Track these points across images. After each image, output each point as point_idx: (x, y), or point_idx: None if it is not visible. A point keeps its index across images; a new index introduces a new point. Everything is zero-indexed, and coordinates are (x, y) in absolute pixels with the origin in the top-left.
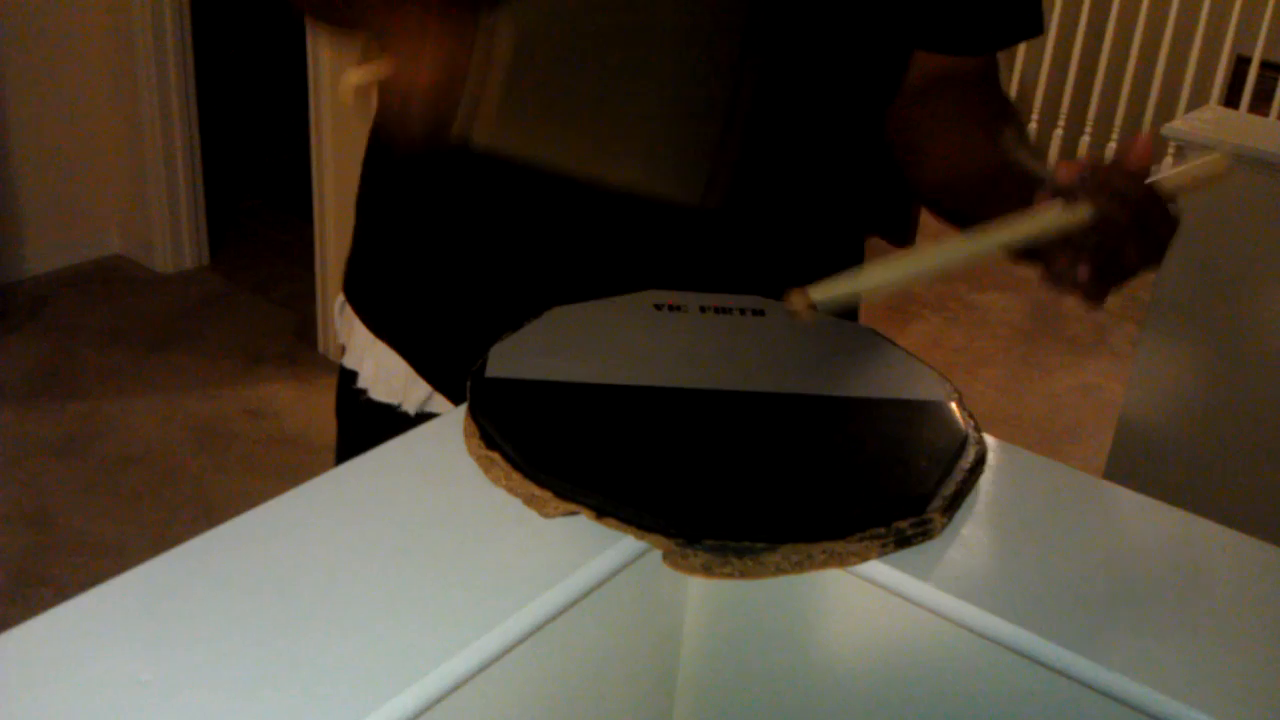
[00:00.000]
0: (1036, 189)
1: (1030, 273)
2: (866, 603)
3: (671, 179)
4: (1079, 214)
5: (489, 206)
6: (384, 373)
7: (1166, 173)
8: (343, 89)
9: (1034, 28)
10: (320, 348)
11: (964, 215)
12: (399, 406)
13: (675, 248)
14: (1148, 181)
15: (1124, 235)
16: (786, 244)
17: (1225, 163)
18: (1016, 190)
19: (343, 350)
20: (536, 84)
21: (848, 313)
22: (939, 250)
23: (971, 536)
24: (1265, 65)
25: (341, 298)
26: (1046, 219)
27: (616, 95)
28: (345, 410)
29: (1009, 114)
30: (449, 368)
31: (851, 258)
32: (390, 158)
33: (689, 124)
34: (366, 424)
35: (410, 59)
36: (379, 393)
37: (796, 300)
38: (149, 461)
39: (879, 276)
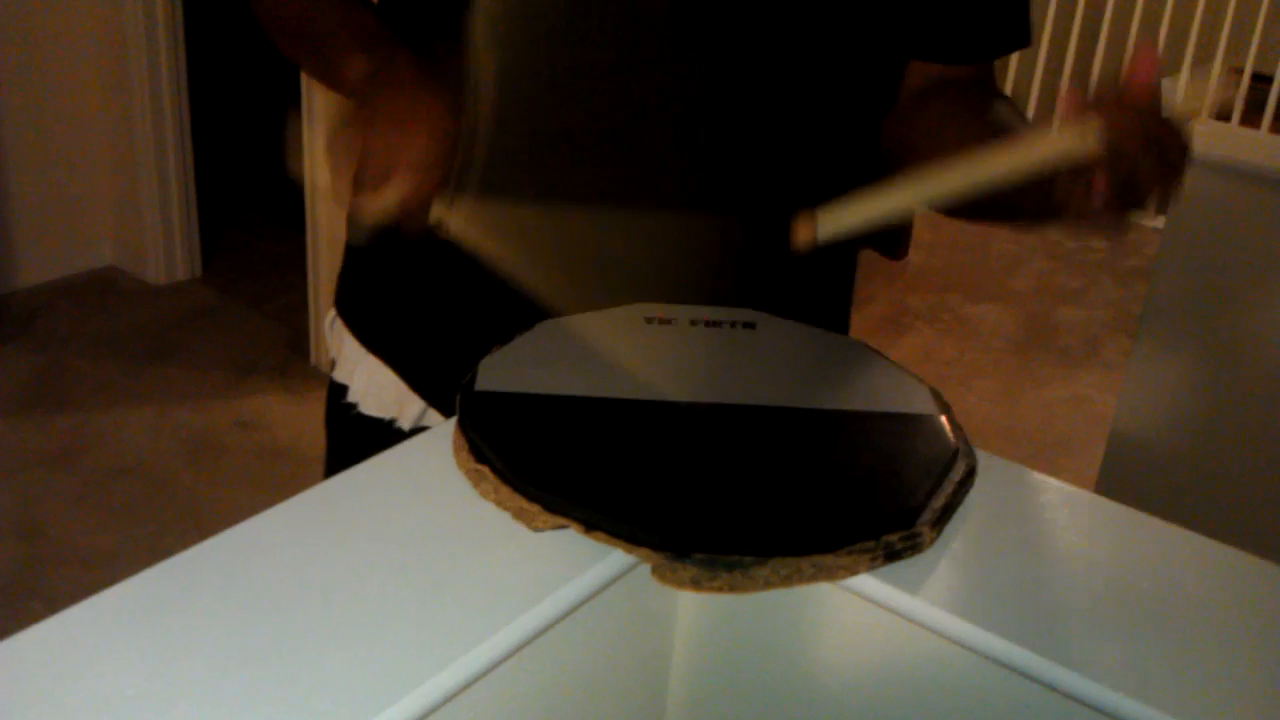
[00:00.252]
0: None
1: (1023, 284)
2: (856, 617)
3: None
4: (1088, 137)
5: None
6: (375, 387)
7: (1175, 97)
8: (323, 189)
9: (1022, 39)
10: (312, 360)
11: (967, 204)
12: (390, 421)
13: (665, 260)
14: (1158, 107)
15: (1136, 153)
16: (778, 256)
17: (1235, 82)
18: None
19: (333, 364)
20: (513, 175)
21: (839, 324)
22: (947, 175)
23: (961, 550)
24: (1257, 77)
25: (333, 312)
26: (1055, 144)
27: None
28: (335, 424)
29: (1007, 104)
30: (441, 381)
31: (843, 270)
32: None
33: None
34: (356, 439)
35: (386, 145)
36: (369, 407)
37: (804, 229)
38: (140, 473)
39: (887, 202)
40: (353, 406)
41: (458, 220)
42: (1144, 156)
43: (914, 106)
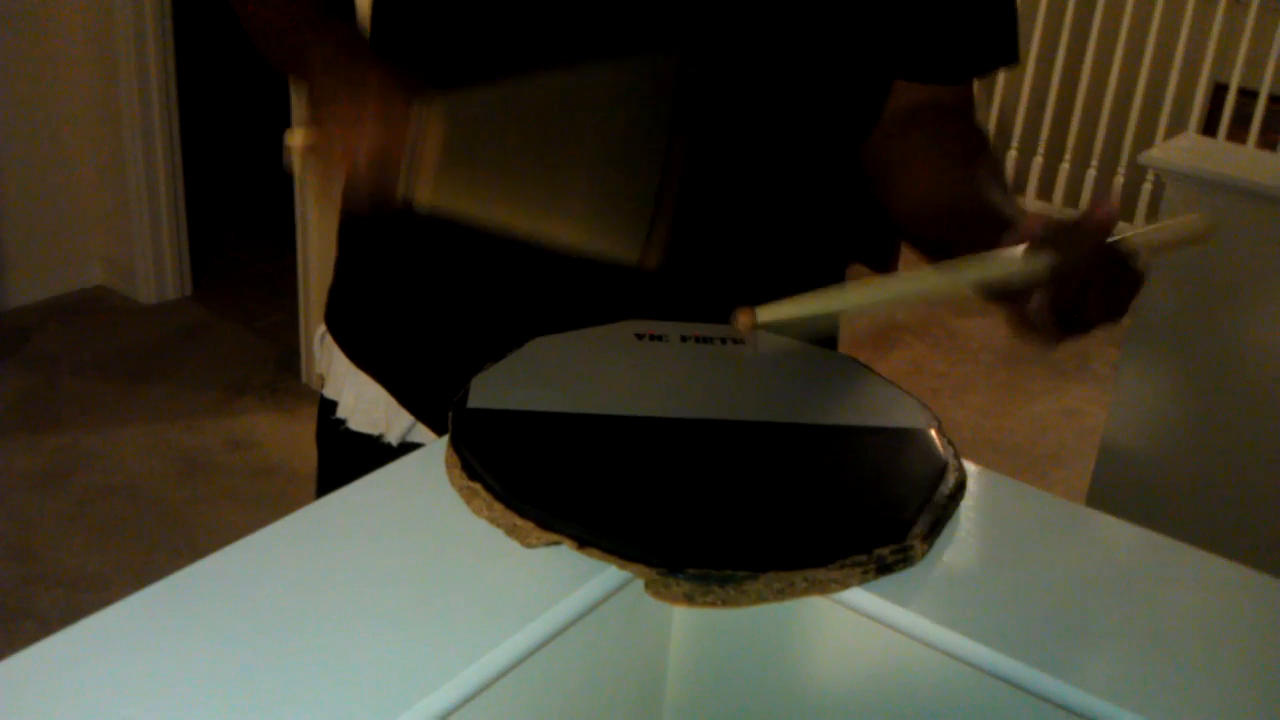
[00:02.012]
0: (1003, 232)
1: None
2: (849, 630)
3: (609, 239)
4: (1040, 263)
5: (469, 237)
6: (364, 403)
7: (1141, 230)
8: (287, 150)
9: (1010, 56)
10: (303, 378)
11: (933, 244)
12: (380, 437)
13: (654, 276)
14: (1113, 240)
15: (1084, 289)
16: (764, 272)
17: (1205, 224)
18: (984, 226)
19: (323, 380)
20: (472, 154)
21: (828, 341)
22: (897, 282)
23: (952, 563)
24: (1243, 91)
25: (323, 328)
26: (1009, 264)
27: (552, 159)
28: (325, 440)
29: (984, 148)
30: (431, 398)
31: (832, 285)
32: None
33: (627, 181)
34: (347, 454)
35: (344, 130)
36: (359, 423)
37: (743, 319)
38: (131, 493)
39: (830, 302)
40: (342, 422)
41: (424, 188)
42: (1091, 288)
43: (894, 132)
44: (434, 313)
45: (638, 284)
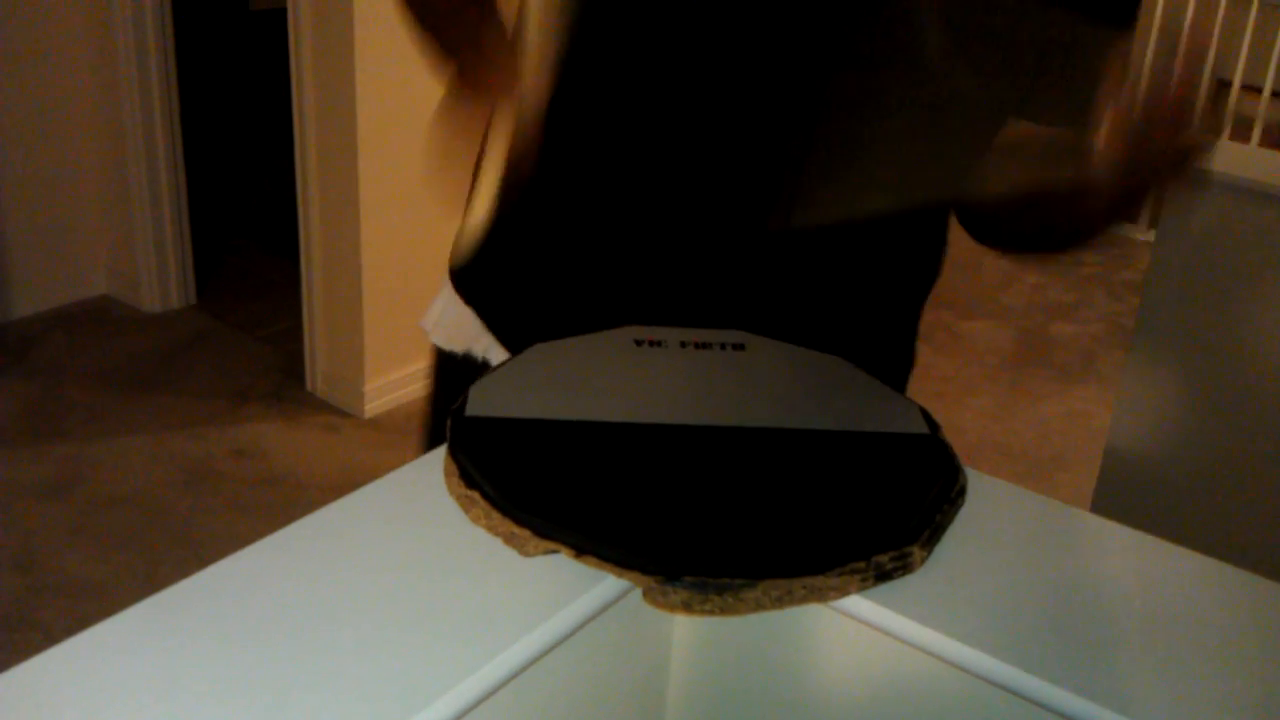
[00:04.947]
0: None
1: (1016, 300)
2: (848, 638)
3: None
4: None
5: (610, 213)
6: (447, 319)
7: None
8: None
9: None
10: (308, 385)
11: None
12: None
13: (690, 281)
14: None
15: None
16: (856, 277)
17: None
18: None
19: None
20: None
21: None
22: None
23: (951, 570)
24: (1246, 89)
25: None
26: None
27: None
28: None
29: None
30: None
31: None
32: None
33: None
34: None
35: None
36: (439, 337)
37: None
38: (136, 502)
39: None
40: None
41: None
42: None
43: None
44: (563, 276)
45: (725, 289)
